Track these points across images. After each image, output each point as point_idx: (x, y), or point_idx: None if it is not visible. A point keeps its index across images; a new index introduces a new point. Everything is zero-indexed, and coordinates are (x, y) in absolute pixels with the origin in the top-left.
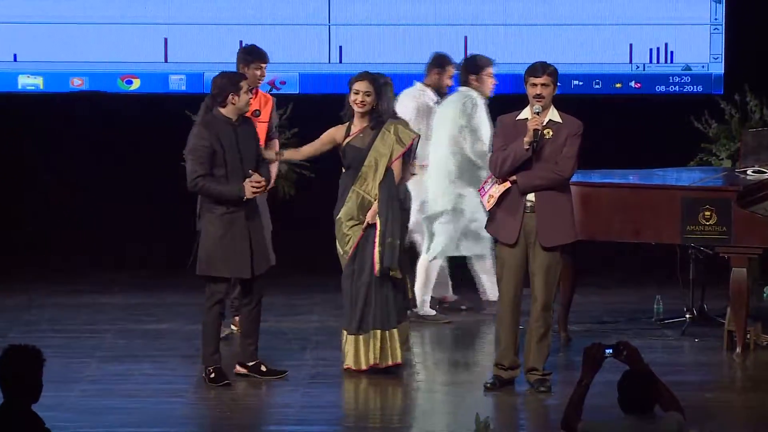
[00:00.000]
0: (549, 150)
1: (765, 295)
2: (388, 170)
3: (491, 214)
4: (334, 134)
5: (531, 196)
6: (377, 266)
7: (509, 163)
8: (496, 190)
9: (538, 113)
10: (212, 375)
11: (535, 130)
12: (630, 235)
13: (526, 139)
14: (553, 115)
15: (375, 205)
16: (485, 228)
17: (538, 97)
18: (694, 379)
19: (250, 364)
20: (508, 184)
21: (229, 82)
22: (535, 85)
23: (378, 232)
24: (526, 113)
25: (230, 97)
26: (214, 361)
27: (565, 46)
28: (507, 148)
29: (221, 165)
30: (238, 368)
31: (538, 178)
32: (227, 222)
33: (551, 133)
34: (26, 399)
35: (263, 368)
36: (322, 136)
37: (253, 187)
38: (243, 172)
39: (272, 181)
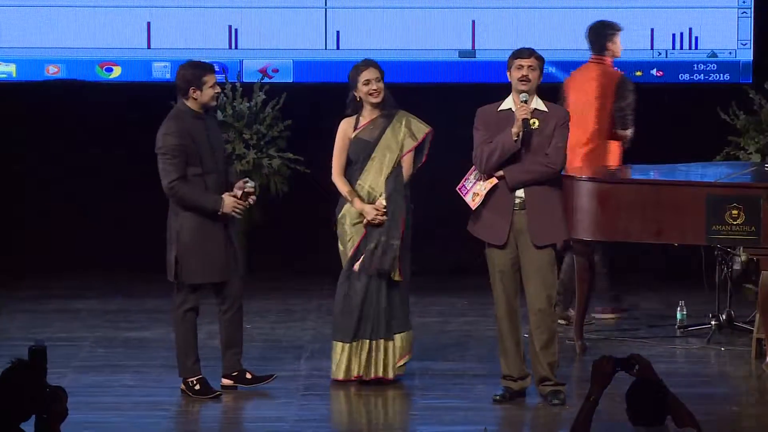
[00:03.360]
0: (537, 141)
1: None
2: (397, 165)
3: (476, 213)
4: (345, 132)
5: (520, 192)
6: (358, 264)
7: (496, 157)
8: (482, 187)
9: (525, 101)
10: (197, 387)
11: (524, 120)
12: (651, 236)
13: (514, 130)
14: (538, 104)
15: (379, 201)
16: (468, 228)
17: (524, 79)
18: (720, 390)
19: (234, 374)
20: (494, 181)
21: (192, 75)
22: (521, 66)
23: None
24: (508, 103)
25: (191, 90)
26: (195, 371)
27: (580, 31)
28: (492, 141)
29: (197, 164)
30: (224, 381)
31: (528, 173)
32: (206, 223)
33: (537, 123)
34: (17, 417)
35: (248, 376)
36: (339, 143)
37: (235, 205)
38: (218, 170)
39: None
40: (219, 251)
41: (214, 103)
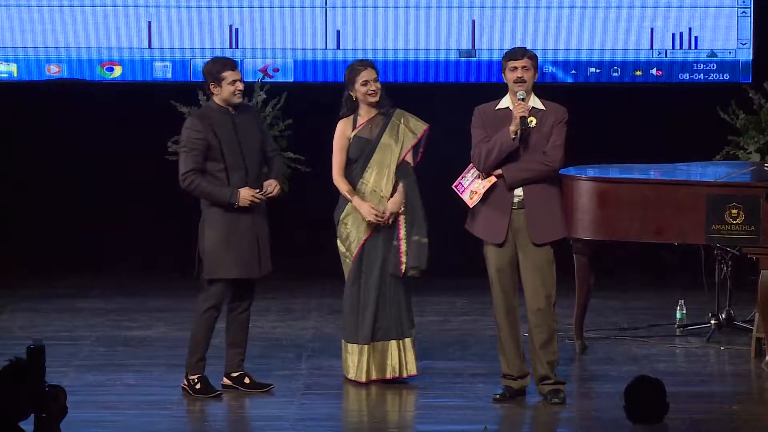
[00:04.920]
0: (535, 139)
1: None
2: (403, 162)
3: (474, 212)
4: (344, 131)
5: (519, 191)
6: (402, 267)
7: (495, 154)
8: (480, 185)
9: (522, 99)
10: (198, 386)
11: (522, 118)
12: (651, 235)
13: (512, 128)
14: (535, 102)
15: (397, 196)
16: (466, 227)
17: (520, 81)
18: (719, 390)
19: (234, 375)
20: (493, 179)
21: (210, 70)
22: (515, 68)
23: (402, 230)
24: (506, 102)
25: (211, 86)
26: (197, 369)
27: (581, 30)
28: (490, 140)
29: (219, 159)
30: (225, 380)
31: (526, 171)
32: (231, 219)
33: (535, 121)
34: (16, 415)
35: (247, 380)
36: (338, 143)
37: (251, 197)
38: (245, 167)
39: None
40: (243, 248)
41: (236, 100)
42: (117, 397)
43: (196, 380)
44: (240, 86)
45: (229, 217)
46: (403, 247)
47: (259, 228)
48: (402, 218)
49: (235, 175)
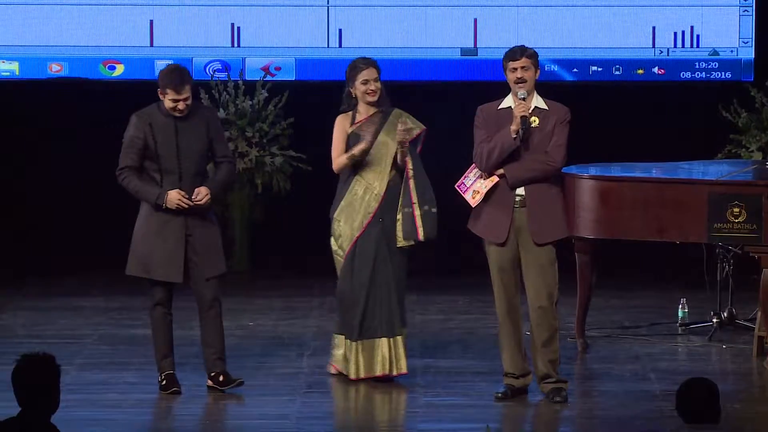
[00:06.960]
0: (537, 139)
1: None
2: (412, 150)
3: (476, 211)
4: (343, 126)
5: (521, 190)
6: (420, 231)
7: (496, 154)
8: (482, 185)
9: (524, 99)
10: (164, 382)
11: (523, 117)
12: (653, 234)
13: (513, 128)
14: (538, 102)
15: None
16: (468, 226)
17: (520, 81)
18: (721, 388)
19: (212, 374)
20: (495, 179)
21: (160, 79)
22: (515, 69)
23: (414, 196)
24: (508, 101)
25: (159, 92)
26: (163, 367)
27: (582, 29)
28: (492, 139)
29: (154, 160)
30: (209, 381)
31: (529, 171)
32: (159, 220)
33: (537, 121)
34: (44, 410)
35: (221, 378)
36: (338, 136)
37: (178, 200)
38: (179, 172)
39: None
40: (159, 250)
41: (175, 114)
42: (119, 395)
43: (162, 377)
44: (180, 106)
45: (157, 218)
46: (417, 211)
47: (195, 231)
48: (412, 183)
49: (168, 179)
